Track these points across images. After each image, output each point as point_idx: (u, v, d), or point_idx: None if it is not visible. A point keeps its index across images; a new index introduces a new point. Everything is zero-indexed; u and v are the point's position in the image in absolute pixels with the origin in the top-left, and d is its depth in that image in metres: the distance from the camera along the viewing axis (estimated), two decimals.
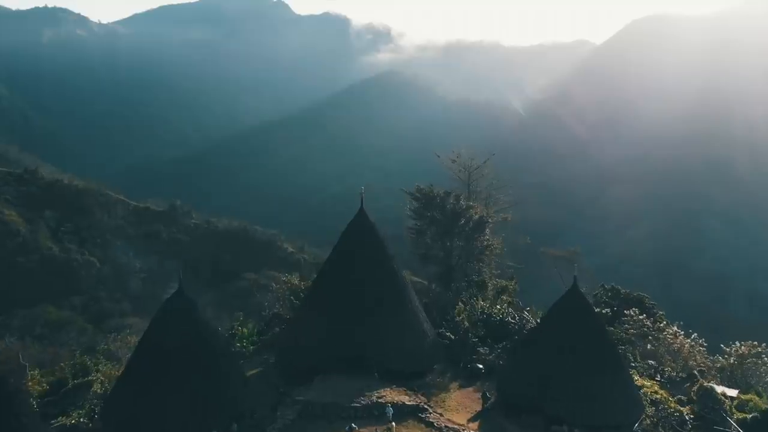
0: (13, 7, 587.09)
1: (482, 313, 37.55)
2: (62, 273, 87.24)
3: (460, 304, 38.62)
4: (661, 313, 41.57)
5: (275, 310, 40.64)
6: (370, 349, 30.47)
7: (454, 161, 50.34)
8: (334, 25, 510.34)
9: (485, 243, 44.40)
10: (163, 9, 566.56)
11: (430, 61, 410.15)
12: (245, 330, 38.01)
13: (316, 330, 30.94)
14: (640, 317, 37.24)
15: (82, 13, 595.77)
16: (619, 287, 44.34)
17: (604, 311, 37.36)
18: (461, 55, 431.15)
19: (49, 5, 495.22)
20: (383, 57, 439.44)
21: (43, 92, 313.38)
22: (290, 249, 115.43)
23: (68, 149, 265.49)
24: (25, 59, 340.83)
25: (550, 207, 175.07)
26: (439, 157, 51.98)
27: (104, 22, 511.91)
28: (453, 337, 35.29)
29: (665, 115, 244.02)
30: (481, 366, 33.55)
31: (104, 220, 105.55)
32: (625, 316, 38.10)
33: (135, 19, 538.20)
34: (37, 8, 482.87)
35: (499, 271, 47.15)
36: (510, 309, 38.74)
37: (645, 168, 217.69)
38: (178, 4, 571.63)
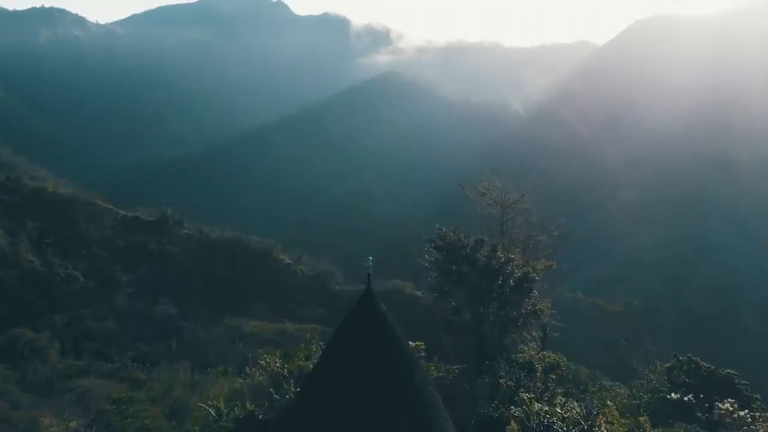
0: (10, 7, 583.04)
1: (539, 424, 25.28)
2: (44, 288, 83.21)
3: (513, 424, 25.19)
4: (756, 396, 31.81)
5: (248, 410, 28.88)
6: None
7: (483, 194, 40.12)
8: (333, 25, 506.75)
9: (530, 308, 32.90)
10: (161, 9, 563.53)
11: (430, 62, 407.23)
12: None
13: None
14: (741, 413, 26.61)
15: (79, 14, 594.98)
16: (698, 359, 33.50)
17: (686, 398, 26.91)
18: (461, 56, 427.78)
19: (46, 5, 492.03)
20: (383, 58, 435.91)
21: (40, 93, 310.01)
22: (287, 260, 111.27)
23: (65, 150, 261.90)
24: (21, 60, 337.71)
25: (552, 209, 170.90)
26: (463, 188, 41.86)
27: (102, 22, 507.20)
28: None
29: (669, 116, 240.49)
30: None
31: (90, 230, 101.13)
32: (717, 407, 28.14)
33: (133, 19, 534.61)
34: (34, 8, 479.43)
35: (541, 333, 36.73)
36: (575, 409, 25.92)
37: (649, 170, 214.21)
38: (177, 5, 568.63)
